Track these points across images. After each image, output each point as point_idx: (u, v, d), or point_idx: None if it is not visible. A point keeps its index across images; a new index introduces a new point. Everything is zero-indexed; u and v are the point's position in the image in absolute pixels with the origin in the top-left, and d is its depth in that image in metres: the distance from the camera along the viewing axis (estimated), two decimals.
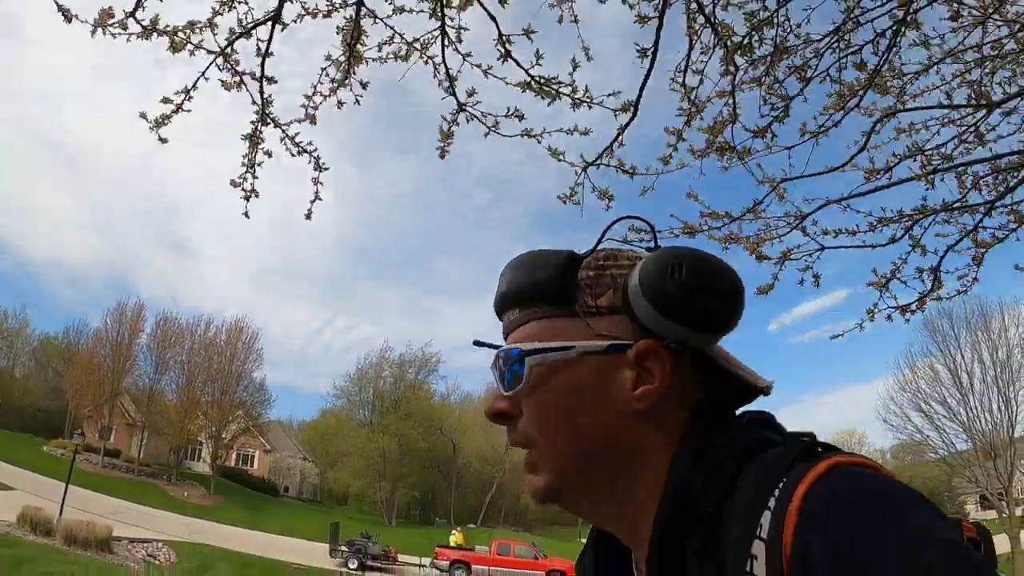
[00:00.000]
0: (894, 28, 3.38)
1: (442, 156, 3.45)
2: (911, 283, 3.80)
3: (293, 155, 3.33)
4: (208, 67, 3.02)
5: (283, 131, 3.34)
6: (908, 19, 3.36)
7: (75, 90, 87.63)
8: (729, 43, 3.40)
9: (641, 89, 3.31)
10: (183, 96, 3.00)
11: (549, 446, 0.75)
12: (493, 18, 3.17)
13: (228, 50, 3.03)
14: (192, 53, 2.94)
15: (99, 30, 2.66)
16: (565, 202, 3.61)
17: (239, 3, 2.96)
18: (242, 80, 3.14)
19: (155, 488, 40.29)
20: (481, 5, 3.14)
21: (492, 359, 0.81)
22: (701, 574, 0.64)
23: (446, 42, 3.30)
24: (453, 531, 36.59)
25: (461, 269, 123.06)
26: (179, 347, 49.95)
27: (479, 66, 3.31)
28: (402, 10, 3.21)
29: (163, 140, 3.03)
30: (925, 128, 3.67)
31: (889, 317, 3.81)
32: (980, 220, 3.62)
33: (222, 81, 3.11)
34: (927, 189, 3.57)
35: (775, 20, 3.42)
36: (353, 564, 28.64)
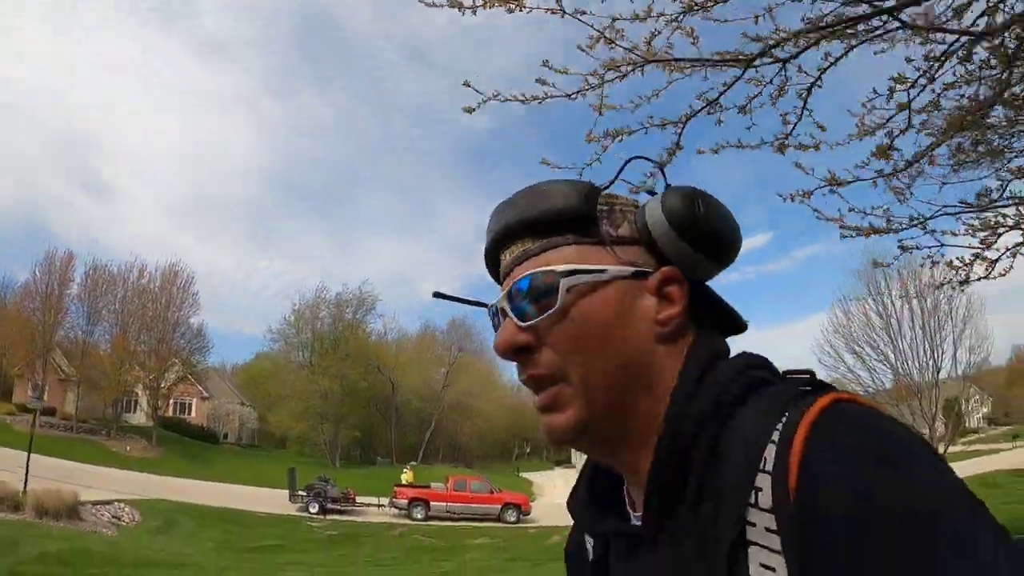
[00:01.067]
0: None
1: None
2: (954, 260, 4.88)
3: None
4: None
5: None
6: None
7: None
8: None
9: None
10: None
11: (580, 376, 0.73)
12: None
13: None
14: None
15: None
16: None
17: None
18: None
19: (95, 444, 38.52)
20: None
21: (503, 292, 0.78)
22: (700, 504, 0.65)
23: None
24: (404, 469, 36.82)
25: (387, 203, 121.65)
26: (111, 296, 47.35)
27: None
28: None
29: (469, 110, 3.25)
30: None
31: (953, 288, 4.97)
32: None
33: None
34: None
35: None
36: (314, 508, 28.43)
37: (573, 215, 0.76)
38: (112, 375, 43.43)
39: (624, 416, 0.73)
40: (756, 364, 0.73)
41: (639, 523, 0.72)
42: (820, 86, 3.73)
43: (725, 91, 3.55)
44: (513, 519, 30.27)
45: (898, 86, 3.69)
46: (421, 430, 65.11)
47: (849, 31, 3.37)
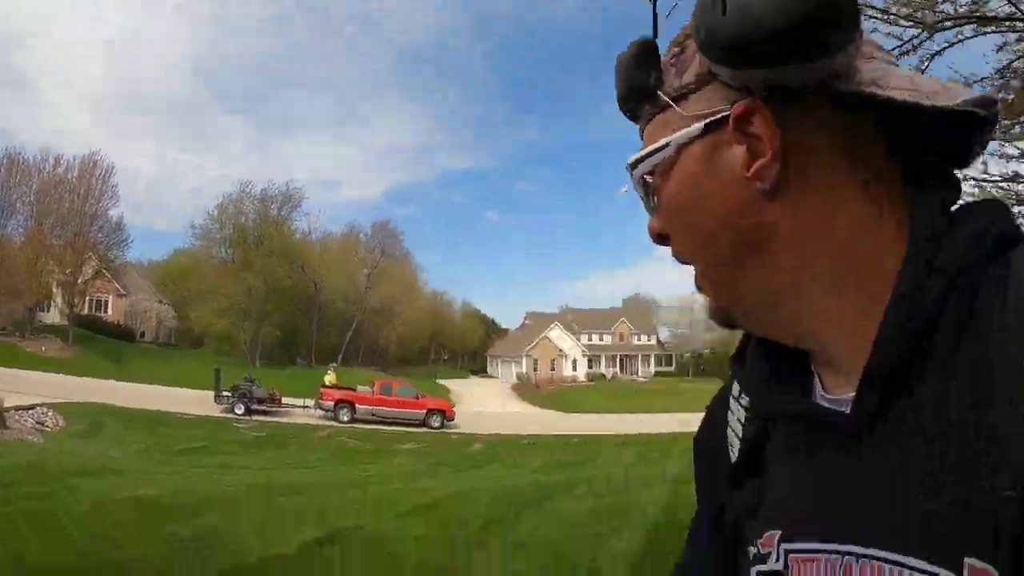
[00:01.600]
0: None
1: None
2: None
3: None
4: None
5: None
6: None
7: None
8: None
9: None
10: None
11: (699, 262, 0.64)
12: None
13: None
14: None
15: None
16: None
17: None
18: None
19: (9, 345, 36.92)
20: None
21: None
22: (945, 389, 0.49)
23: None
24: (328, 370, 36.60)
25: (317, 106, 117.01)
26: (26, 187, 45.03)
27: None
28: None
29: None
30: None
31: None
32: None
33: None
34: None
35: None
36: (239, 409, 28.32)
37: (635, 86, 0.64)
38: (27, 271, 41.33)
39: (769, 296, 0.60)
40: (1004, 216, 0.55)
41: (830, 406, 0.58)
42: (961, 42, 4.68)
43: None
44: (437, 425, 30.73)
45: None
46: (343, 332, 65.16)
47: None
